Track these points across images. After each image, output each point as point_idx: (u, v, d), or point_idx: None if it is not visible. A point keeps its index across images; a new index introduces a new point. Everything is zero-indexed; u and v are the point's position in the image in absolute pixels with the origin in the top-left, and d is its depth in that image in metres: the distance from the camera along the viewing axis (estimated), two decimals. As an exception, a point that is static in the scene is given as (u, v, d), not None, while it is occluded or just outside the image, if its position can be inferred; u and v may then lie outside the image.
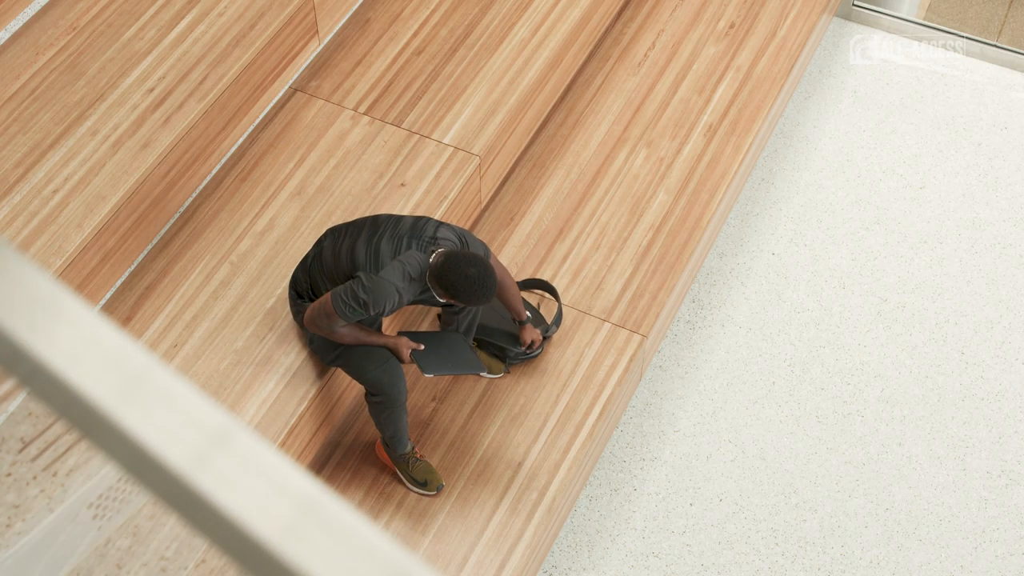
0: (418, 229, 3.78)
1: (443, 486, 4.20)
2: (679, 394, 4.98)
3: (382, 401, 3.94)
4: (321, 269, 3.86)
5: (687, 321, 5.19)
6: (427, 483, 4.18)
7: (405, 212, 4.44)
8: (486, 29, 5.07)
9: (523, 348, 4.36)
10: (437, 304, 3.86)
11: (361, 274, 3.68)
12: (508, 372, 4.51)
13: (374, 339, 3.85)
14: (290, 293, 3.99)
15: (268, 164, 4.60)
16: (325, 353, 3.94)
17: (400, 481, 4.22)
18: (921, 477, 4.79)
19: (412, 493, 4.20)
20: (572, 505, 4.52)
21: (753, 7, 5.80)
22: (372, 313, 3.67)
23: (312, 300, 3.90)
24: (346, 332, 3.76)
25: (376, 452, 4.27)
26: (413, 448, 4.18)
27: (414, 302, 3.81)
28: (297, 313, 3.97)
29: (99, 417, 0.86)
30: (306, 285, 3.93)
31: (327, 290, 3.83)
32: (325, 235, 3.92)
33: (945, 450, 4.86)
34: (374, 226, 3.82)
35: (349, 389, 4.29)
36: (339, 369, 4.11)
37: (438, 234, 3.77)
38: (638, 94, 5.42)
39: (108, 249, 4.08)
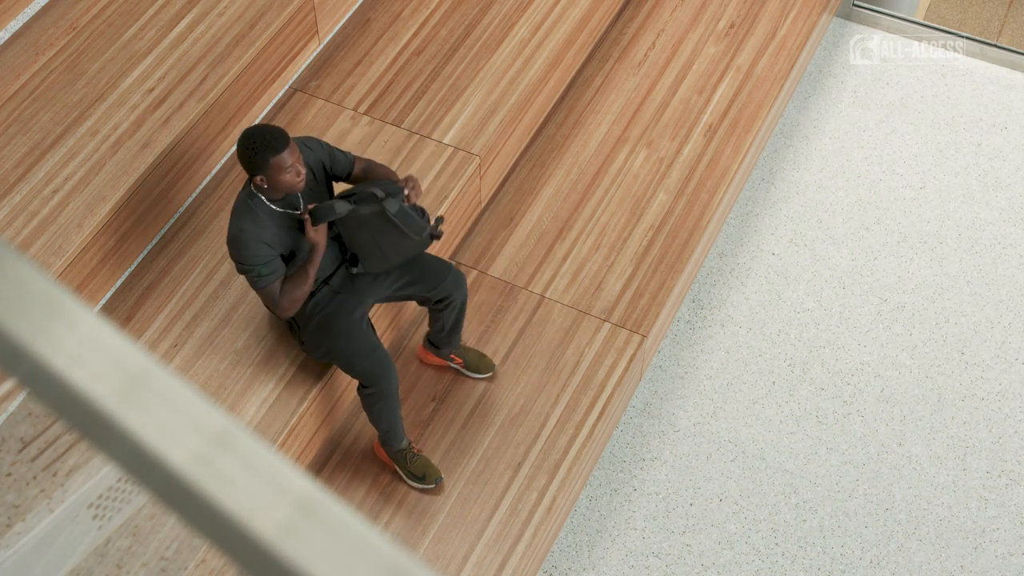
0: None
1: (442, 479, 4.20)
2: (679, 394, 4.98)
3: (374, 392, 3.95)
4: None
5: (687, 321, 5.19)
6: (425, 477, 4.18)
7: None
8: (486, 29, 5.07)
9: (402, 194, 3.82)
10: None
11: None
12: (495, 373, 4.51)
13: (310, 267, 3.73)
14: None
15: (268, 164, 4.60)
16: (314, 350, 3.96)
17: (400, 478, 4.22)
18: (921, 477, 4.79)
19: (412, 493, 4.20)
20: (572, 505, 4.52)
21: (753, 7, 5.80)
22: (264, 266, 3.62)
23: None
24: (285, 289, 3.71)
25: (374, 451, 4.27)
26: (410, 444, 4.19)
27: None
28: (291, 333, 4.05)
29: (99, 417, 0.86)
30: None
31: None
32: None
33: (945, 450, 4.86)
34: None
35: (349, 389, 4.29)
36: (339, 369, 4.12)
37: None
38: (638, 94, 5.42)
39: (108, 249, 4.08)
